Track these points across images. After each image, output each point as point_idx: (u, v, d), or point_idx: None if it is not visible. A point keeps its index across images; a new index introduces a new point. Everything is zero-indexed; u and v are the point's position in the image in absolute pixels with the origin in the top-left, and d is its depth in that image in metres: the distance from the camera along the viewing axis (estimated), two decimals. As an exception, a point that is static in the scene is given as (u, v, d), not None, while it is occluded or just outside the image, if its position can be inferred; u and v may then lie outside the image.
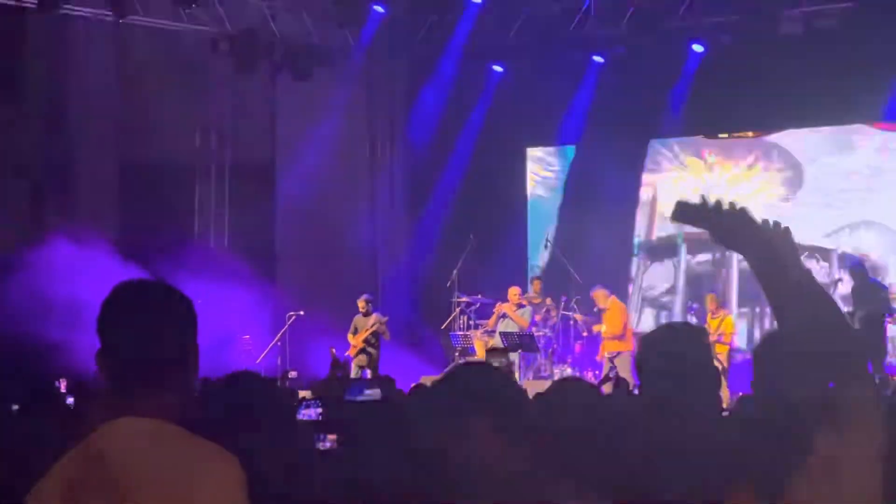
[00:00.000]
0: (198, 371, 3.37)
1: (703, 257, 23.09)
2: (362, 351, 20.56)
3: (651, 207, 23.80)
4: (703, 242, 22.42)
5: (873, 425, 3.58)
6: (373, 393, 11.47)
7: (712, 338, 19.09)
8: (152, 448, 3.15)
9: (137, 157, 21.27)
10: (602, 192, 23.77)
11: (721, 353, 18.84)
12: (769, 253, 3.46)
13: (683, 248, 23.20)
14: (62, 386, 14.24)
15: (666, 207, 23.22)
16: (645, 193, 23.76)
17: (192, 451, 3.16)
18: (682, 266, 23.36)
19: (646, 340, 4.33)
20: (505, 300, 20.94)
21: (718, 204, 3.48)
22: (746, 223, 3.48)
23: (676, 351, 4.16)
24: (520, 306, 20.86)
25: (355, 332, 20.82)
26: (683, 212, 3.53)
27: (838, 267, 21.32)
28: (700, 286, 22.69)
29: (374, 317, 20.74)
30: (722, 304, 20.38)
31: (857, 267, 19.49)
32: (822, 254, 21.60)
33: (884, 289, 19.40)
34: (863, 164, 21.92)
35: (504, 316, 20.79)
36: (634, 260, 23.90)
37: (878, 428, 3.59)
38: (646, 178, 23.75)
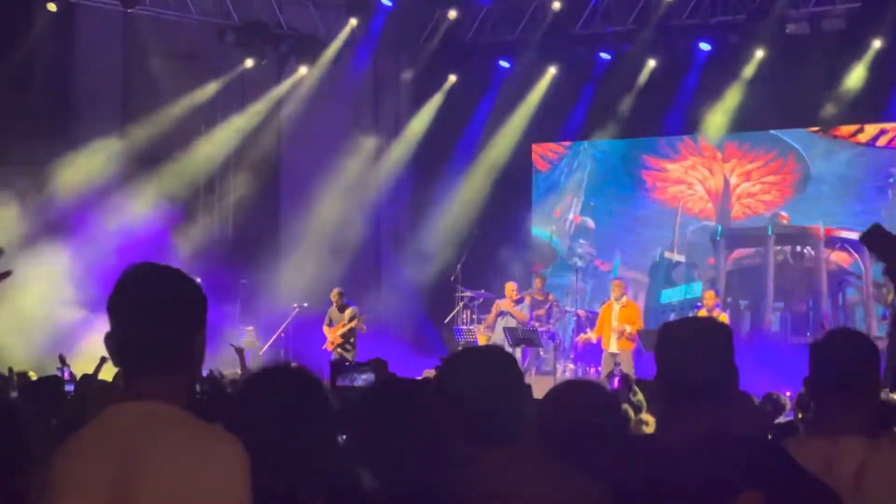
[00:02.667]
0: (204, 356, 3.40)
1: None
2: (341, 346, 20.54)
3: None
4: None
5: None
6: (367, 378, 11.47)
7: None
8: (158, 430, 3.17)
9: (142, 147, 21.28)
10: (607, 189, 23.87)
11: None
12: None
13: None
14: (65, 374, 14.29)
15: (675, 202, 23.30)
16: (651, 191, 23.72)
17: (197, 434, 3.19)
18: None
19: (666, 331, 4.28)
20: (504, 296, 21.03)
21: None
22: None
23: (697, 345, 4.13)
24: (518, 301, 20.89)
25: (329, 323, 20.80)
26: (874, 236, 3.69)
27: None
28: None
29: (349, 310, 20.71)
30: (717, 303, 20.35)
31: None
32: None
33: None
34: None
35: (503, 313, 20.80)
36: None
37: None
38: (649, 175, 23.70)
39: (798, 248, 22.26)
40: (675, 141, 23.41)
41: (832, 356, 4.29)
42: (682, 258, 23.28)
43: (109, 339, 3.32)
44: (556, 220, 24.57)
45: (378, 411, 3.99)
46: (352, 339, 20.64)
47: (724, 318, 19.57)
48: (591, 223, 24.25)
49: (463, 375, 3.97)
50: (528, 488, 3.77)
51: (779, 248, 22.36)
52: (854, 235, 19.61)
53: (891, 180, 21.48)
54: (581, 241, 24.35)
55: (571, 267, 23.85)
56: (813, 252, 22.00)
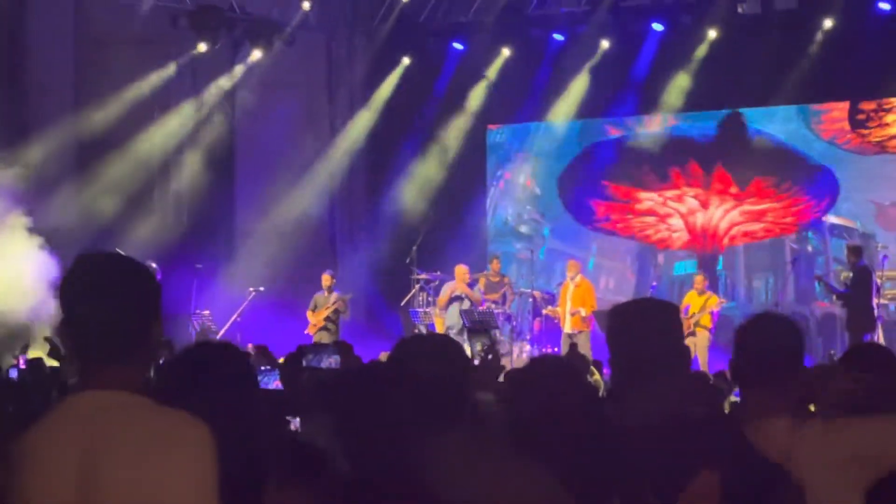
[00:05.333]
0: (161, 343, 3.40)
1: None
2: (323, 328, 20.54)
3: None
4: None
5: None
6: (332, 360, 11.54)
7: (698, 312, 19.51)
8: (121, 418, 3.15)
9: (95, 133, 21.15)
10: (559, 169, 23.95)
11: (706, 325, 19.44)
12: None
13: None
14: (20, 362, 14.24)
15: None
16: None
17: (160, 420, 3.17)
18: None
19: (616, 312, 4.32)
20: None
21: None
22: None
23: (648, 325, 4.16)
24: (471, 284, 20.89)
25: (315, 308, 20.80)
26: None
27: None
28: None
29: (335, 295, 20.74)
30: (708, 286, 20.47)
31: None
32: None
33: None
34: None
35: (459, 297, 20.72)
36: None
37: None
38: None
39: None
40: (627, 120, 23.47)
41: (756, 340, 4.30)
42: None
43: (61, 329, 3.30)
44: (507, 183, 24.62)
45: (348, 395, 4.04)
46: (335, 319, 20.66)
47: (714, 299, 19.79)
48: (537, 191, 24.34)
49: (411, 361, 4.04)
50: (475, 473, 3.80)
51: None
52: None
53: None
54: (528, 206, 24.43)
55: (518, 235, 24.06)
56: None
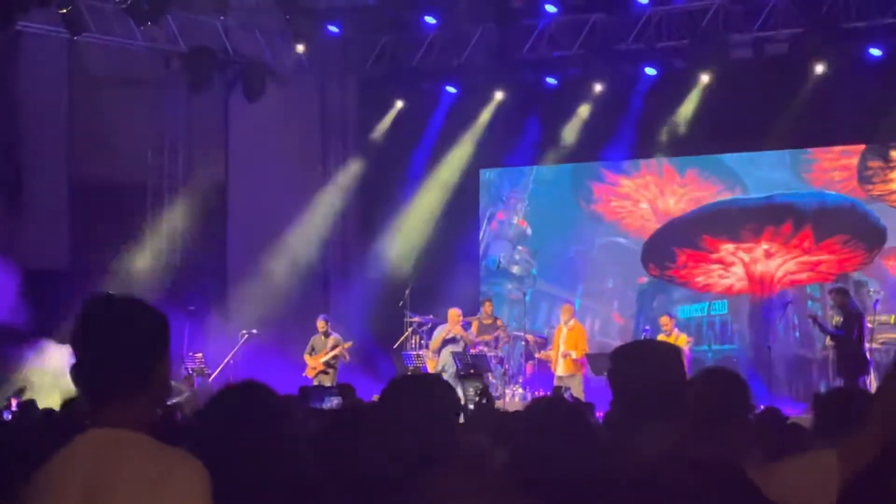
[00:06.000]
0: (169, 383, 3.51)
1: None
2: (322, 372, 20.60)
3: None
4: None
5: None
6: (335, 402, 11.59)
7: None
8: (120, 456, 3.27)
9: (88, 176, 21.17)
10: (554, 212, 23.98)
11: None
12: None
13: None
14: (13, 405, 14.21)
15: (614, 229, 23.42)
16: (599, 214, 23.81)
17: (158, 458, 3.28)
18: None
19: (619, 353, 4.33)
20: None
21: None
22: None
23: (650, 366, 4.16)
24: (464, 326, 20.93)
25: (312, 351, 20.82)
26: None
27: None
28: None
29: (333, 338, 20.77)
30: (675, 325, 20.51)
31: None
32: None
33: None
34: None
35: (454, 339, 20.74)
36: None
37: None
38: (597, 199, 23.80)
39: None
40: (621, 164, 23.54)
41: (703, 390, 4.38)
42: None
43: (73, 370, 3.39)
44: (500, 223, 24.66)
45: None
46: (334, 363, 20.71)
47: (683, 339, 19.79)
48: (529, 231, 24.39)
49: (399, 401, 4.05)
50: None
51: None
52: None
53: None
54: (519, 247, 24.47)
55: (509, 276, 24.11)
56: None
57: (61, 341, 16.94)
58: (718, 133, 21.75)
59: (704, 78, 21.78)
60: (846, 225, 21.71)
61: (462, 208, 24.25)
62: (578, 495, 3.97)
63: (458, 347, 20.61)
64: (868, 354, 18.65)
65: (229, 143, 23.46)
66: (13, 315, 18.69)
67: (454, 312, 20.93)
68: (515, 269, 24.34)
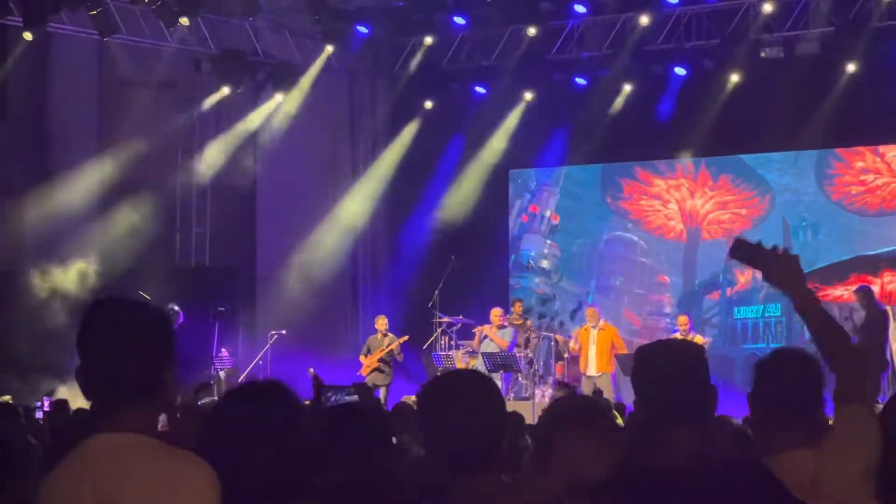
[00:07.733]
0: (175, 386, 3.47)
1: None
2: (376, 369, 20.68)
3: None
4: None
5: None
6: (352, 399, 11.57)
7: None
8: (129, 460, 3.27)
9: (118, 176, 21.23)
10: (583, 212, 23.96)
11: None
12: (812, 296, 4.08)
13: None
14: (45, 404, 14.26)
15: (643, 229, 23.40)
16: (627, 215, 23.78)
17: (168, 461, 3.28)
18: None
19: (642, 354, 4.28)
20: (486, 321, 21.06)
21: (774, 248, 4.01)
22: (797, 270, 4.04)
23: (674, 366, 4.12)
24: (501, 327, 20.95)
25: (368, 352, 20.92)
26: (741, 250, 3.89)
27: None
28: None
29: (389, 336, 20.86)
30: (692, 327, 20.49)
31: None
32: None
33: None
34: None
35: (485, 337, 20.92)
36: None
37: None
38: (627, 200, 23.77)
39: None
40: (654, 164, 23.52)
41: (777, 376, 4.35)
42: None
43: (79, 373, 3.37)
44: (531, 216, 24.68)
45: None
46: (388, 360, 20.89)
47: (699, 339, 19.74)
48: (558, 225, 24.49)
49: (440, 402, 3.90)
50: None
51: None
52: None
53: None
54: (548, 241, 24.47)
55: (539, 270, 24.13)
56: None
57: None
58: (746, 133, 21.67)
59: (734, 78, 21.67)
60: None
61: (491, 209, 24.20)
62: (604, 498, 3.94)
63: (490, 348, 20.67)
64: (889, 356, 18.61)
65: (258, 144, 23.48)
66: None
67: (496, 312, 21.08)
68: (545, 264, 24.38)
